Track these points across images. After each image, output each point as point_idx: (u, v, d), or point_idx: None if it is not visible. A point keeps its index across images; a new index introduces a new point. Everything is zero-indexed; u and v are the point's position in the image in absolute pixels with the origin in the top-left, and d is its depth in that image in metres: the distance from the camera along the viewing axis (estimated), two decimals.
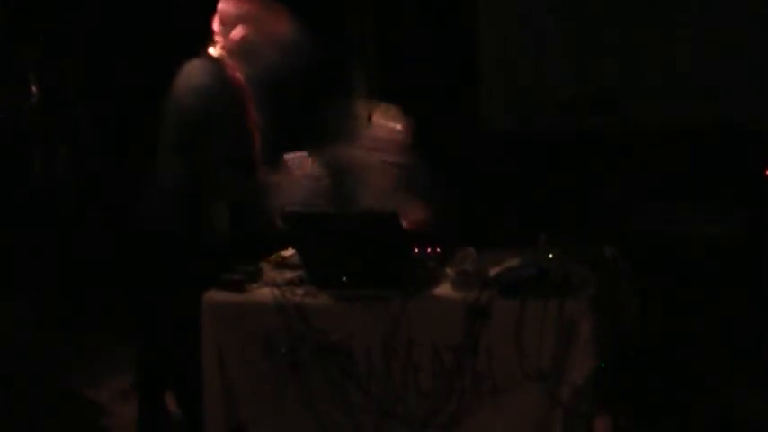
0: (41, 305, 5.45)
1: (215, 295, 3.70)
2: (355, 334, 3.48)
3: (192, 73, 3.76)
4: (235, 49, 3.82)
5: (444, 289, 3.49)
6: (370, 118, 4.51)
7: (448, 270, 3.60)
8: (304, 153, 3.96)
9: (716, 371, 4.44)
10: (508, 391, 3.33)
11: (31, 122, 5.47)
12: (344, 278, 3.50)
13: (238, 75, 3.80)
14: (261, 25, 3.80)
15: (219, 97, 3.70)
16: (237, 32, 3.81)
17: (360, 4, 5.80)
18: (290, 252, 3.93)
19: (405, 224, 3.58)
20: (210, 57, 3.83)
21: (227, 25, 3.82)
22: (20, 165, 5.52)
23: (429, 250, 3.71)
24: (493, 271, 3.47)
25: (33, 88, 5.43)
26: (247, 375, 3.66)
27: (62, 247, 5.70)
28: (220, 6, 3.83)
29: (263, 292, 3.65)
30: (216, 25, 3.84)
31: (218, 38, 3.84)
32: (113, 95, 5.41)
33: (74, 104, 5.67)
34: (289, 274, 3.74)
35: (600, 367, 3.27)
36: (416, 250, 3.69)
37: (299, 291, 3.59)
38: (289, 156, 3.91)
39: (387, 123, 4.47)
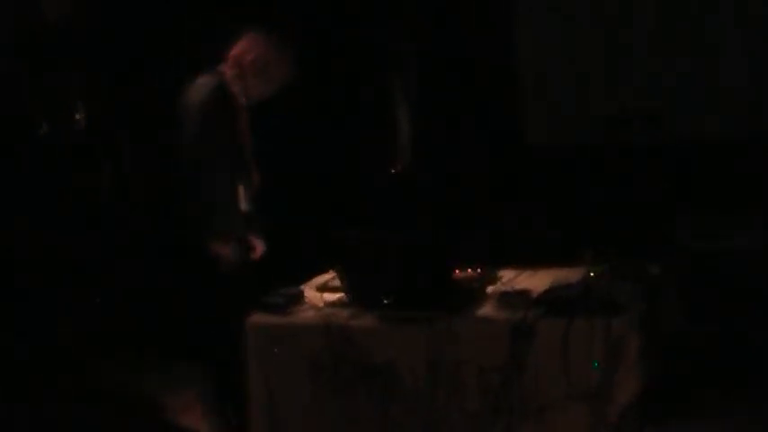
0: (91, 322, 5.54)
1: (259, 318, 3.73)
2: (400, 355, 3.47)
3: (195, 89, 4.15)
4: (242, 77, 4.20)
5: (488, 309, 3.48)
6: None
7: (491, 290, 3.59)
8: None
9: (755, 380, 4.42)
10: (554, 411, 3.30)
11: (78, 142, 5.57)
12: (388, 299, 3.50)
13: (236, 92, 4.17)
14: (265, 68, 4.19)
15: (215, 111, 4.07)
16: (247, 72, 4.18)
17: (395, 16, 5.81)
18: (332, 274, 3.94)
19: None
20: (215, 73, 4.18)
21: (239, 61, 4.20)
22: (66, 182, 5.61)
23: (472, 270, 3.70)
24: (537, 290, 3.46)
25: (80, 109, 5.53)
26: (292, 396, 3.67)
27: (106, 262, 5.77)
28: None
29: (307, 315, 3.68)
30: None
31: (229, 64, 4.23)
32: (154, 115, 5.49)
33: (116, 125, 5.77)
34: (332, 296, 3.76)
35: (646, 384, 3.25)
36: (458, 272, 3.68)
37: (343, 312, 3.60)
38: None
39: None
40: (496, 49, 5.69)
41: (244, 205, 4.24)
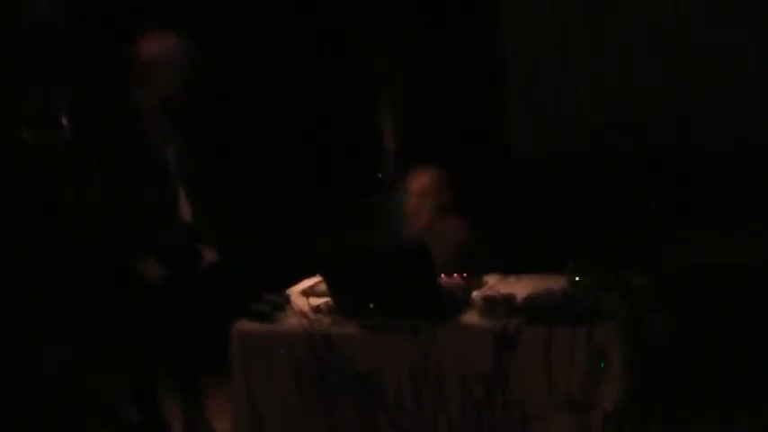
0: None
1: (243, 325, 3.72)
2: (384, 363, 3.47)
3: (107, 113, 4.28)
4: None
5: (472, 317, 3.47)
6: None
7: (475, 298, 3.59)
8: None
9: (743, 397, 4.42)
10: (538, 420, 3.30)
11: (63, 155, 5.54)
12: (372, 307, 3.49)
13: (149, 99, 4.23)
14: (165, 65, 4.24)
15: (126, 130, 4.17)
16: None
17: (383, 32, 5.82)
18: (316, 281, 3.94)
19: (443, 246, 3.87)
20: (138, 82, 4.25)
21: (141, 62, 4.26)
22: (52, 194, 5.58)
23: (456, 278, 3.70)
24: (520, 298, 3.46)
25: (64, 121, 5.52)
26: (276, 404, 3.67)
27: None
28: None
29: (292, 322, 3.66)
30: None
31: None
32: None
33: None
34: (316, 303, 3.75)
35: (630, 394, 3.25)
36: (443, 278, 3.68)
37: (328, 320, 3.60)
38: None
39: None
40: (482, 60, 5.71)
41: (185, 216, 4.28)
